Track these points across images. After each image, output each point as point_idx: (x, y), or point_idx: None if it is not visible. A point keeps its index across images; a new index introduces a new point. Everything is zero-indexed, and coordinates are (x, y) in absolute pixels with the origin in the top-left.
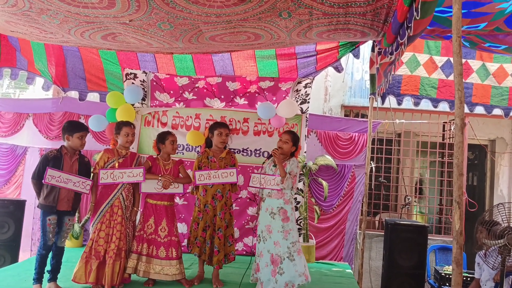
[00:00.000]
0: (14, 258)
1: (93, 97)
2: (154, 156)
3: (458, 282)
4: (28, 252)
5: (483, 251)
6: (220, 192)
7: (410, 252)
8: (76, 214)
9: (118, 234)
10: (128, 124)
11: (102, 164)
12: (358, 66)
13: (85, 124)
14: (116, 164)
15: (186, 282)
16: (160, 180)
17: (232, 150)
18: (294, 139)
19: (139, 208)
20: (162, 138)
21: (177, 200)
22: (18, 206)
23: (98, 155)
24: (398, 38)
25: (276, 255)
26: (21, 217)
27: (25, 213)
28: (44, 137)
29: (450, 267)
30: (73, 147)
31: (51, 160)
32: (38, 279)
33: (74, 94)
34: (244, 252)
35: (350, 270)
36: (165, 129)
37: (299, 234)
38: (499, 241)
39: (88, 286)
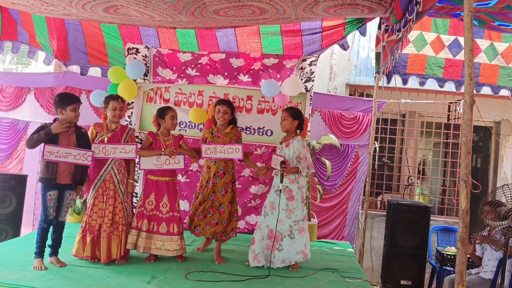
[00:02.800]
0: (16, 233)
1: (95, 72)
2: (154, 132)
3: (463, 261)
4: (30, 227)
5: (486, 231)
6: (222, 169)
7: (412, 233)
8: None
9: (111, 208)
10: (115, 98)
11: (90, 138)
12: (364, 44)
13: (75, 95)
14: (105, 139)
15: (185, 258)
16: (163, 153)
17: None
18: (294, 113)
19: (138, 183)
20: (162, 113)
21: (179, 177)
22: (20, 180)
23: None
24: (407, 15)
25: (278, 232)
26: (22, 192)
27: (26, 188)
28: (46, 111)
29: (452, 248)
30: (68, 120)
31: (44, 128)
32: (40, 253)
33: (75, 68)
34: (246, 230)
35: (351, 249)
36: (168, 105)
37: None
38: (503, 222)
39: (86, 260)
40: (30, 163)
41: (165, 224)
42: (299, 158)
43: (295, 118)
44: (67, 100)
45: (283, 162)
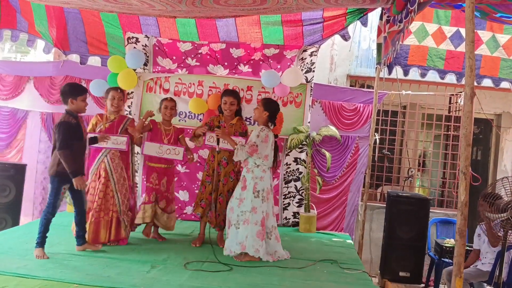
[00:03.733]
0: (16, 222)
1: (94, 61)
2: (156, 121)
3: (461, 253)
4: (30, 216)
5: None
6: (225, 159)
7: (411, 225)
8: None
9: (102, 195)
10: (115, 88)
11: (90, 128)
12: (365, 34)
13: (83, 86)
14: (103, 129)
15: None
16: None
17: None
18: (265, 104)
19: (138, 172)
20: (160, 104)
21: (179, 168)
22: (19, 170)
23: None
24: (408, 5)
25: (228, 219)
26: (22, 181)
27: (26, 177)
28: (45, 101)
29: (451, 240)
30: (78, 111)
31: (73, 127)
32: (42, 242)
33: (75, 57)
34: None
35: (350, 241)
36: (167, 96)
37: (301, 204)
38: (502, 214)
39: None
40: (30, 152)
41: (165, 200)
42: (247, 141)
43: (266, 109)
44: (78, 90)
45: (218, 127)
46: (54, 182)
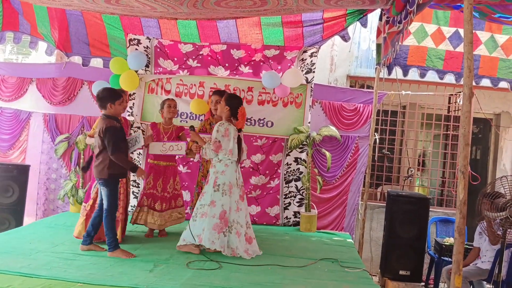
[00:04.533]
0: (19, 222)
1: (97, 62)
2: (156, 122)
3: (460, 251)
4: (33, 216)
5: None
6: None
7: (411, 224)
8: (81, 179)
9: (94, 195)
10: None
11: (92, 132)
12: (365, 35)
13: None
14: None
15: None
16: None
17: None
18: (228, 100)
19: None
20: (162, 104)
21: (180, 168)
22: (22, 170)
23: None
24: (408, 6)
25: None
26: (25, 182)
27: (29, 178)
28: (48, 102)
29: (451, 238)
30: (116, 114)
31: (119, 131)
32: (116, 244)
33: (77, 59)
34: None
35: (350, 240)
36: (169, 97)
37: (301, 204)
38: (501, 213)
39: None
40: (33, 153)
41: (159, 202)
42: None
43: (227, 104)
44: (116, 94)
45: (192, 127)
46: (110, 183)
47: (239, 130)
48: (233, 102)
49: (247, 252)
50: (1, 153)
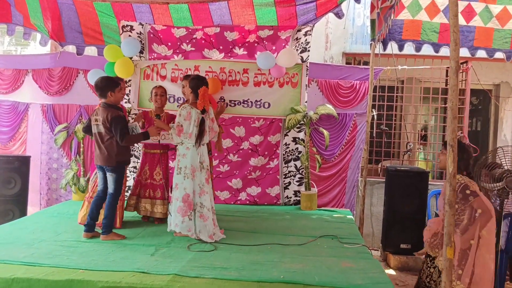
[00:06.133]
0: (23, 213)
1: (91, 51)
2: (147, 110)
3: (451, 223)
4: (37, 206)
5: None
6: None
7: (411, 198)
8: (82, 168)
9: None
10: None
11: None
12: (359, 11)
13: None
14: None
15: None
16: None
17: (232, 101)
18: (190, 82)
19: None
20: (151, 92)
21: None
22: (23, 162)
23: None
24: None
25: None
26: (26, 173)
27: (30, 168)
28: (45, 93)
29: None
30: (116, 102)
31: (124, 119)
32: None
33: (71, 48)
34: (248, 202)
35: (351, 216)
36: (164, 82)
37: (301, 183)
38: (497, 184)
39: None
40: (33, 144)
41: (159, 190)
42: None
43: (190, 86)
44: (114, 82)
45: (158, 116)
46: (117, 170)
47: (203, 112)
48: (194, 84)
49: (211, 237)
50: (2, 145)
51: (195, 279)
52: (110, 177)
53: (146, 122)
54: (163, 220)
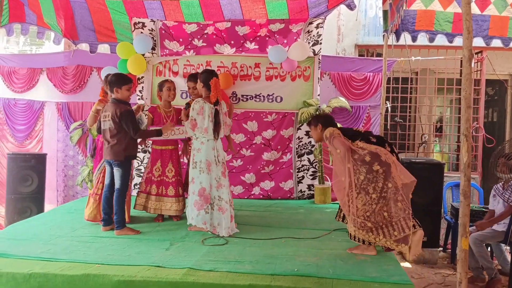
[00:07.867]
0: (40, 210)
1: (104, 48)
2: (155, 106)
3: (466, 213)
4: (54, 203)
5: (501, 184)
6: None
7: (426, 190)
8: (90, 164)
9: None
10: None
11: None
12: (371, 2)
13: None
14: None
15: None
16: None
17: (244, 96)
18: (201, 76)
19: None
20: (160, 86)
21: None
22: (40, 159)
23: None
24: None
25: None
26: (43, 170)
27: (47, 166)
28: (60, 91)
29: None
30: (122, 99)
31: (133, 113)
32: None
33: (85, 46)
34: (261, 196)
35: None
36: (177, 78)
37: (315, 176)
38: None
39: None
40: (49, 142)
41: (172, 187)
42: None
43: (201, 80)
44: (123, 79)
45: (187, 104)
46: (125, 165)
47: (216, 103)
48: (205, 77)
49: (228, 231)
50: (18, 144)
51: (209, 273)
52: (117, 172)
53: (156, 119)
54: (178, 218)
